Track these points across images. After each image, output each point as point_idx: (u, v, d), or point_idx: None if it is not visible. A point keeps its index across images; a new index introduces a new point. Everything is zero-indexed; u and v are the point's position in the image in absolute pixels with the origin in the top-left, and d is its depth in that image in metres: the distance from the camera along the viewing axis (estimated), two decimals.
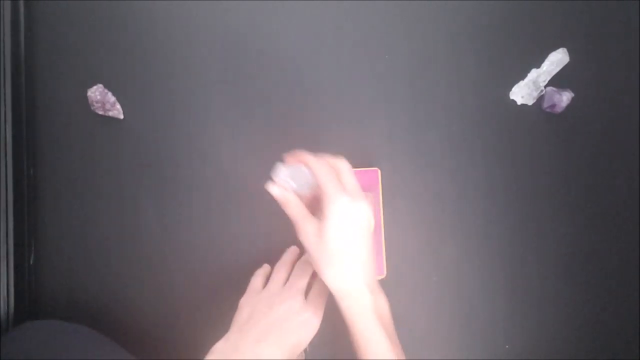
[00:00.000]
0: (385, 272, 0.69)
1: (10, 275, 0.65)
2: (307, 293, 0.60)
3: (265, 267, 0.66)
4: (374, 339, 0.54)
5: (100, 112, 0.71)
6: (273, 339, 0.55)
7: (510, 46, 0.73)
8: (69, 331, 0.59)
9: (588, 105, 0.72)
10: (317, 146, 0.72)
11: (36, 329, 0.59)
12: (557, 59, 0.71)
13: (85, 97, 0.71)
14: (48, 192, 0.71)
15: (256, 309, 0.59)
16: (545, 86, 0.71)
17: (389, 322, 0.57)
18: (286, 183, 0.57)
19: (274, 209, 0.71)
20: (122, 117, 0.72)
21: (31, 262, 0.70)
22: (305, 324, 0.57)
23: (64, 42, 0.72)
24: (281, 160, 0.59)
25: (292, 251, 0.66)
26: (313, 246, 0.54)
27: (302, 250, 0.65)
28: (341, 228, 0.53)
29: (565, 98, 0.70)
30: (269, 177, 0.59)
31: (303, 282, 0.60)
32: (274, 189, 0.57)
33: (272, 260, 0.67)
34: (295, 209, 0.56)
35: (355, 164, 0.70)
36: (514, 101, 0.72)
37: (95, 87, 0.70)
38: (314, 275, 0.61)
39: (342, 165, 0.58)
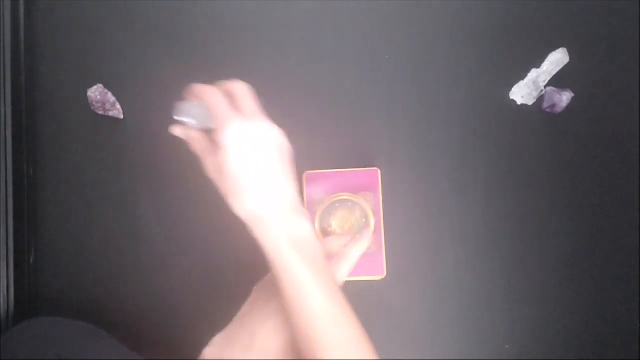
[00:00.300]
0: (385, 272, 0.69)
1: (10, 275, 0.65)
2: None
3: None
4: (292, 268, 0.49)
5: (100, 112, 0.71)
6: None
7: (510, 46, 0.73)
8: (71, 328, 0.59)
9: (588, 105, 0.72)
10: (317, 146, 0.72)
11: (37, 326, 0.59)
12: (557, 59, 0.71)
13: (85, 97, 0.71)
14: (48, 192, 0.71)
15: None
16: (545, 86, 0.71)
17: (312, 249, 0.51)
18: (188, 121, 0.54)
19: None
20: (122, 117, 0.72)
21: (31, 262, 0.70)
22: None
23: (64, 42, 0.72)
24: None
25: None
26: (217, 180, 0.51)
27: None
28: (239, 154, 0.50)
29: (565, 98, 0.70)
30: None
31: None
32: (175, 130, 0.54)
33: None
34: (197, 145, 0.53)
35: (355, 164, 0.71)
36: (514, 101, 0.72)
37: (95, 87, 0.70)
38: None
39: (238, 88, 0.54)
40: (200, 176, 0.72)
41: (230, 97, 0.53)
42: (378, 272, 0.69)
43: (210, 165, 0.52)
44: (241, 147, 0.50)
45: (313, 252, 0.51)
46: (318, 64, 0.73)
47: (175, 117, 0.54)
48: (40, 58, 0.72)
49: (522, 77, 0.72)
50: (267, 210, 0.50)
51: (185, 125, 0.54)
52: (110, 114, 0.71)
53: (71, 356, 0.55)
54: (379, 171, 0.70)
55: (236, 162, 0.50)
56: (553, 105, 0.70)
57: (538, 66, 0.71)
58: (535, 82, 0.71)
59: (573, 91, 0.71)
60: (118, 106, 0.71)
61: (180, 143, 0.71)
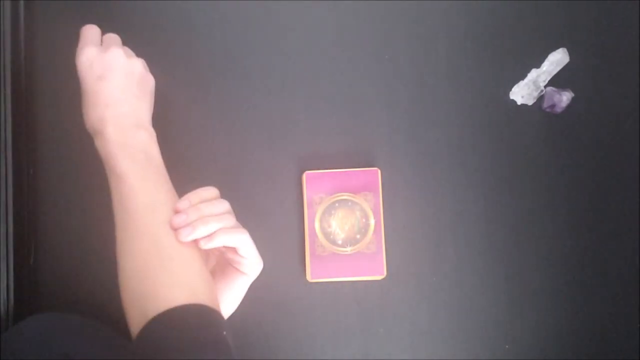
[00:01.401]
0: (385, 272, 0.69)
1: (10, 275, 0.65)
2: None
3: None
4: (123, 175, 0.54)
5: None
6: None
7: (510, 46, 0.73)
8: (76, 323, 0.59)
9: (588, 105, 0.72)
10: (317, 146, 0.72)
11: (41, 322, 0.58)
12: (557, 59, 0.71)
13: None
14: (48, 192, 0.71)
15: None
16: (545, 86, 0.71)
17: (147, 159, 0.56)
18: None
19: (274, 209, 0.72)
20: None
21: (31, 262, 0.70)
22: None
23: (64, 42, 0.72)
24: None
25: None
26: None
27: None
28: (90, 71, 0.58)
29: (565, 98, 0.70)
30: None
31: None
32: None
33: (272, 259, 0.67)
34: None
35: (355, 164, 0.71)
36: (514, 101, 0.72)
37: None
38: None
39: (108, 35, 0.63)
40: (200, 176, 0.73)
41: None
42: (378, 272, 0.69)
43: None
44: (89, 67, 0.58)
45: (147, 159, 0.55)
46: (318, 63, 0.73)
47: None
48: (40, 58, 0.72)
49: (522, 77, 0.72)
50: (104, 123, 0.56)
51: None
52: None
53: (75, 351, 0.55)
54: (379, 171, 0.70)
55: (82, 78, 0.59)
56: (553, 105, 0.70)
57: (538, 66, 0.71)
58: (535, 82, 0.71)
59: (573, 91, 0.71)
60: None
61: (180, 143, 0.72)
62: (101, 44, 0.62)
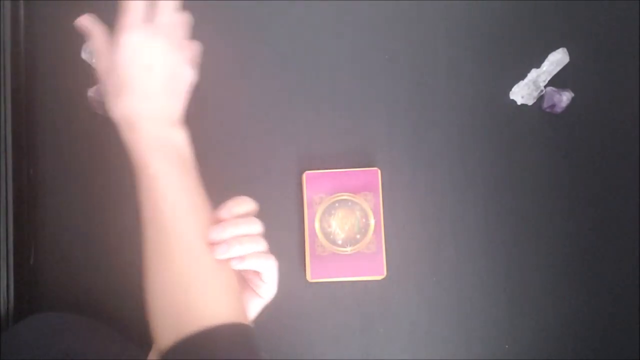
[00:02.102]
0: (385, 272, 0.69)
1: (10, 275, 0.65)
2: None
3: None
4: (159, 177, 0.49)
5: (100, 112, 0.71)
6: None
7: (510, 46, 0.73)
8: (75, 322, 0.59)
9: (588, 105, 0.72)
10: (317, 146, 0.72)
11: (41, 321, 0.58)
12: (557, 59, 0.71)
13: (85, 97, 0.71)
14: (48, 192, 0.71)
15: None
16: (545, 86, 0.71)
17: (181, 159, 0.52)
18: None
19: (275, 209, 0.71)
20: None
21: (31, 262, 0.70)
22: None
23: (64, 42, 0.72)
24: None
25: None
26: (104, 78, 0.54)
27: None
28: (131, 58, 0.52)
29: (565, 98, 0.70)
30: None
31: None
32: (81, 20, 0.58)
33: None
34: (96, 40, 0.56)
35: (355, 164, 0.71)
36: (514, 101, 0.72)
37: (95, 87, 0.70)
38: None
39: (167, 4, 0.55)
40: (200, 176, 0.73)
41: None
42: (378, 272, 0.69)
43: (102, 62, 0.54)
44: (135, 53, 0.52)
45: (181, 161, 0.51)
46: (318, 63, 0.73)
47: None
48: (40, 58, 0.72)
49: (522, 77, 0.72)
50: (141, 116, 0.51)
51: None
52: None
53: (75, 351, 0.55)
54: (379, 171, 0.70)
55: (126, 64, 0.52)
56: (553, 105, 0.70)
57: (538, 66, 0.71)
58: (535, 82, 0.71)
59: (573, 91, 0.71)
60: None
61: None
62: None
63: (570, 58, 0.71)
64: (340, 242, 0.68)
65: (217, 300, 0.47)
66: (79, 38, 0.72)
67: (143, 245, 0.50)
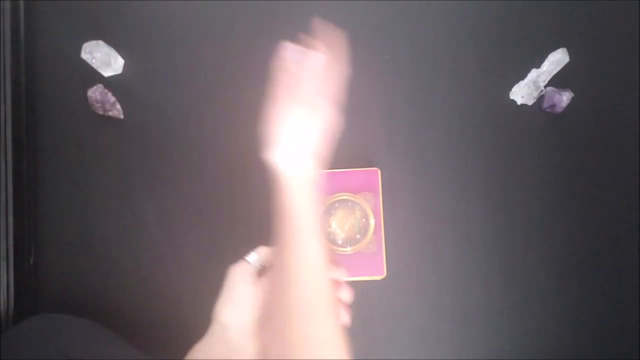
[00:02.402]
0: (385, 272, 0.69)
1: (10, 275, 0.65)
2: None
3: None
4: (305, 230, 0.52)
5: (100, 112, 0.71)
6: None
7: (510, 46, 0.73)
8: (73, 324, 0.59)
9: (588, 105, 0.72)
10: None
11: (40, 322, 0.58)
12: (557, 59, 0.71)
13: (85, 97, 0.71)
14: (48, 192, 0.71)
15: None
16: (545, 86, 0.71)
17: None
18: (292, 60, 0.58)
19: (274, 209, 0.71)
20: (122, 117, 0.72)
21: (31, 262, 0.70)
22: None
23: (64, 43, 0.72)
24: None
25: None
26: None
27: None
28: (293, 114, 0.54)
29: (565, 98, 0.70)
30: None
31: None
32: (287, 50, 0.57)
33: None
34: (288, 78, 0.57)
35: (355, 164, 0.71)
36: (514, 101, 0.72)
37: (95, 87, 0.70)
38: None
39: (318, 59, 0.57)
40: (200, 176, 0.73)
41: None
42: (378, 272, 0.69)
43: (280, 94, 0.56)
44: (294, 111, 0.54)
45: (318, 216, 0.53)
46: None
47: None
48: (40, 58, 0.72)
49: (522, 77, 0.72)
50: (296, 173, 0.53)
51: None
52: (110, 114, 0.71)
53: (74, 352, 0.55)
54: (379, 171, 0.70)
55: (289, 118, 0.53)
56: (553, 105, 0.70)
57: (538, 66, 0.71)
58: (535, 82, 0.71)
59: (573, 91, 0.71)
60: (118, 106, 0.71)
61: (179, 143, 0.72)
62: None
63: (570, 58, 0.71)
64: (340, 242, 0.68)
65: (330, 333, 0.49)
66: (79, 38, 0.72)
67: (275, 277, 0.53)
